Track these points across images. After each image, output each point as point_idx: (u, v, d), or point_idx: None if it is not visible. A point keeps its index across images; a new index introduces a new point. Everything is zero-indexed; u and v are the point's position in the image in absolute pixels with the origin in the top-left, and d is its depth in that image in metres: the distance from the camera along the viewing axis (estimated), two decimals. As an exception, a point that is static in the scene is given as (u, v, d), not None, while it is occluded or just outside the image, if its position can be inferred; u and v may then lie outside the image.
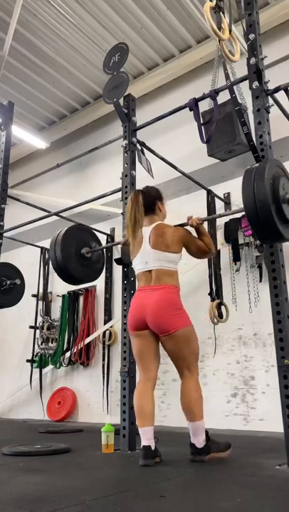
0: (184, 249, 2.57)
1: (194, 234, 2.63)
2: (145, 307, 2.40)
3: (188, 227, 2.68)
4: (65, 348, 5.59)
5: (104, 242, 5.47)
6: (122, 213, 3.14)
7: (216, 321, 3.97)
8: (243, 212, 4.42)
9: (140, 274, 2.53)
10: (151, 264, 2.47)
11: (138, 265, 2.55)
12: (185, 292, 4.45)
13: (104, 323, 5.26)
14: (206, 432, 2.31)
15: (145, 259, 2.49)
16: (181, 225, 2.71)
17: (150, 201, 2.60)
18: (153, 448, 2.26)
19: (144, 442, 2.27)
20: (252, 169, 2.19)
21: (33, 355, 5.70)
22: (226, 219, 4.48)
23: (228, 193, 4.66)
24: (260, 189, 2.09)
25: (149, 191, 2.65)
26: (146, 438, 2.27)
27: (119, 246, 3.12)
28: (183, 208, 4.99)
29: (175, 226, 2.63)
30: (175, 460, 2.34)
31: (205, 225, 4.14)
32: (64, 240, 3.33)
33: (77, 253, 3.40)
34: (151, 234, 2.52)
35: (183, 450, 2.49)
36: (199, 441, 2.28)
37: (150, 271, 2.47)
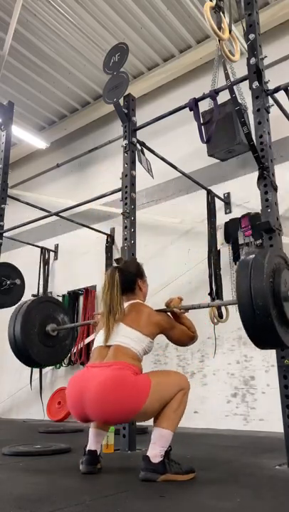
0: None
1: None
2: (85, 394, 1.89)
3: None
4: (65, 348, 5.58)
5: (104, 242, 5.48)
6: (121, 213, 3.13)
7: (216, 321, 3.96)
8: (244, 212, 4.47)
9: (95, 349, 2.09)
10: (112, 338, 2.02)
11: (97, 340, 2.13)
12: (185, 292, 4.48)
13: (104, 323, 5.25)
14: (169, 449, 1.89)
15: (106, 332, 2.04)
16: (163, 311, 2.26)
17: (129, 280, 2.22)
18: (99, 452, 2.09)
19: (91, 446, 2.08)
20: (247, 262, 1.84)
21: (33, 355, 5.69)
22: (226, 219, 4.48)
23: (228, 193, 4.66)
24: (259, 291, 1.74)
25: (128, 268, 2.27)
26: (97, 441, 2.10)
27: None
28: (183, 208, 5.01)
29: (156, 310, 2.19)
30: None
31: (205, 225, 4.19)
32: (25, 318, 2.80)
33: (41, 332, 2.90)
34: (126, 309, 2.12)
35: (182, 450, 2.49)
36: (155, 455, 1.84)
37: (109, 347, 2.02)
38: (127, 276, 2.22)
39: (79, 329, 5.49)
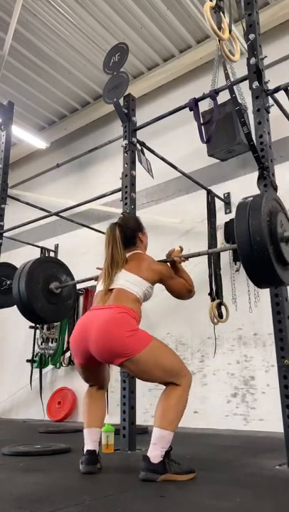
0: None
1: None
2: (89, 331, 2.00)
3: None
4: (65, 348, 5.58)
5: (104, 242, 5.48)
6: (121, 213, 3.13)
7: (216, 321, 3.96)
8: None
9: (98, 293, 2.18)
10: (113, 282, 2.12)
11: (99, 285, 2.22)
12: (185, 292, 4.47)
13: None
14: (170, 449, 1.90)
15: (109, 278, 2.13)
16: (164, 261, 2.39)
17: (129, 234, 2.30)
18: (97, 452, 2.10)
19: (88, 446, 2.09)
20: (245, 204, 1.93)
21: (33, 355, 5.70)
22: (226, 219, 4.48)
23: (228, 193, 4.66)
24: (256, 228, 1.83)
25: (127, 223, 2.37)
26: (93, 440, 2.11)
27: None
28: (183, 208, 5.01)
29: (158, 261, 2.32)
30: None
31: (205, 225, 4.18)
32: (29, 275, 2.87)
33: (45, 289, 2.99)
34: (127, 258, 2.21)
35: (182, 450, 2.49)
36: (155, 455, 1.84)
37: (110, 290, 2.11)
38: (127, 231, 2.30)
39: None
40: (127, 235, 2.29)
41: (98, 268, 2.60)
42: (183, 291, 2.33)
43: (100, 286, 2.21)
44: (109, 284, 2.12)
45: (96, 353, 1.98)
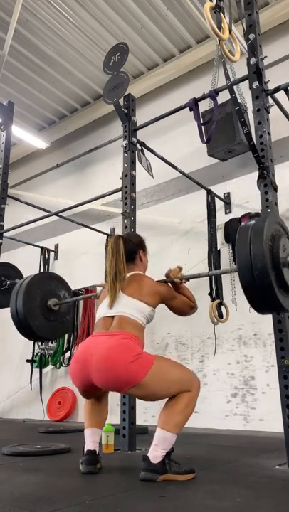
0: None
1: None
2: (91, 358, 1.94)
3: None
4: (65, 348, 5.58)
5: (104, 242, 5.48)
6: (121, 213, 3.14)
7: (216, 321, 3.96)
8: (244, 212, 4.46)
9: (99, 319, 2.14)
10: (115, 309, 2.08)
11: (100, 310, 2.17)
12: (185, 292, 4.47)
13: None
14: (171, 450, 1.89)
15: (112, 297, 2.10)
16: (163, 281, 2.34)
17: (131, 249, 2.28)
18: (97, 452, 2.10)
19: (89, 446, 2.09)
20: (248, 227, 1.88)
21: (33, 355, 5.70)
22: (226, 219, 4.48)
23: (228, 193, 4.66)
24: (258, 252, 1.78)
25: (131, 238, 2.36)
26: (94, 441, 2.11)
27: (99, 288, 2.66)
28: (183, 208, 5.01)
29: (158, 281, 2.27)
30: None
31: (205, 225, 4.19)
32: (27, 291, 2.83)
33: (43, 306, 2.94)
34: (126, 280, 2.16)
35: (182, 450, 2.49)
36: (156, 456, 1.84)
37: (112, 317, 2.08)
38: (130, 245, 2.28)
39: (79, 330, 5.49)
40: (128, 249, 2.26)
41: (98, 285, 2.59)
42: (185, 309, 2.31)
43: (102, 309, 2.16)
44: (113, 301, 2.09)
45: (99, 382, 1.94)
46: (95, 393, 2.13)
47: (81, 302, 5.68)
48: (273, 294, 1.78)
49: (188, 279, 2.37)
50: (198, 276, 2.43)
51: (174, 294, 2.26)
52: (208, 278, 3.97)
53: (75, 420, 5.28)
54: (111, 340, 1.94)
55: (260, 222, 1.90)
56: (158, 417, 1.97)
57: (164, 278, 2.34)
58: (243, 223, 1.96)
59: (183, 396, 1.94)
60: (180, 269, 2.38)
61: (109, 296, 2.11)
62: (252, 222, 1.92)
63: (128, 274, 2.19)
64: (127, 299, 2.09)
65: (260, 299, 1.84)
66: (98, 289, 2.61)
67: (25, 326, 2.86)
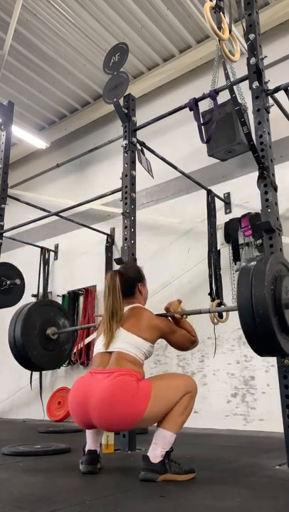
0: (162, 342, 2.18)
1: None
2: (89, 398, 1.90)
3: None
4: (65, 348, 5.58)
5: (104, 242, 5.49)
6: (121, 213, 3.13)
7: (216, 321, 3.96)
8: (244, 212, 4.46)
9: (97, 355, 2.09)
10: (113, 344, 2.03)
11: (98, 345, 2.13)
12: (185, 292, 4.48)
13: (104, 323, 5.25)
14: (171, 450, 1.89)
15: (108, 338, 2.05)
16: (163, 315, 2.29)
17: (129, 284, 2.22)
18: (98, 452, 2.10)
19: (90, 446, 2.09)
20: (249, 269, 1.82)
21: (33, 355, 5.69)
22: (226, 219, 4.48)
23: (228, 193, 4.66)
24: (260, 298, 1.73)
25: (128, 272, 2.28)
26: (95, 440, 2.10)
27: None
28: (183, 208, 5.01)
29: (157, 315, 2.21)
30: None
31: (205, 224, 4.18)
32: (26, 319, 2.78)
33: (42, 335, 2.89)
34: (125, 314, 2.12)
35: (182, 450, 2.48)
36: (156, 455, 1.84)
37: (110, 353, 2.03)
38: (127, 280, 2.21)
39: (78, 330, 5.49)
40: (127, 284, 2.20)
41: (97, 316, 2.58)
42: (186, 344, 2.25)
43: (99, 345, 2.11)
44: (110, 341, 2.04)
45: (101, 425, 1.92)
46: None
47: (81, 302, 5.69)
48: (275, 340, 1.74)
49: (188, 314, 2.28)
50: (199, 312, 2.33)
51: (173, 329, 2.20)
52: (208, 278, 3.97)
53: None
54: (109, 378, 1.90)
55: (262, 264, 1.83)
56: None
57: (164, 312, 2.29)
58: (243, 264, 1.88)
59: (183, 399, 1.94)
60: (179, 302, 2.32)
61: (106, 335, 2.06)
62: (253, 263, 1.85)
63: (127, 308, 2.15)
64: (126, 334, 2.04)
65: (261, 344, 1.80)
66: (98, 319, 2.55)
67: (23, 357, 2.82)
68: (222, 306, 3.84)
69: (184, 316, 2.27)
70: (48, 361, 2.96)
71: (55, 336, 2.97)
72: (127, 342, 2.02)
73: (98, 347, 2.11)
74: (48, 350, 2.93)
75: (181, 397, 1.93)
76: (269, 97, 2.65)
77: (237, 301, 1.81)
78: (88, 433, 2.13)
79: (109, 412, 1.85)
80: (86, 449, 2.09)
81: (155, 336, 2.11)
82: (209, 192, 4.27)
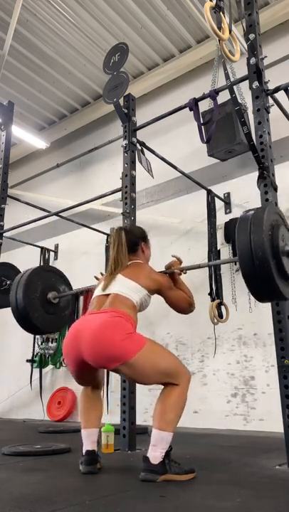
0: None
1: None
2: (82, 336, 1.95)
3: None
4: (65, 348, 5.58)
5: (104, 242, 5.48)
6: (121, 213, 3.14)
7: (216, 321, 3.96)
8: (243, 212, 4.46)
9: (94, 298, 2.19)
10: (111, 287, 2.11)
11: (96, 291, 2.23)
12: (185, 292, 4.47)
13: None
14: (170, 449, 1.90)
15: (107, 281, 2.15)
16: (163, 272, 2.38)
17: (132, 241, 2.31)
18: (96, 452, 2.11)
19: (87, 447, 2.10)
20: (247, 217, 1.91)
21: (33, 355, 5.69)
22: (226, 219, 4.48)
23: (228, 193, 4.66)
24: (258, 242, 1.81)
25: (133, 230, 2.41)
26: (92, 441, 2.12)
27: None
28: (183, 208, 5.01)
29: (159, 272, 2.31)
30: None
31: (205, 224, 4.18)
32: (28, 283, 2.84)
33: (43, 298, 2.96)
34: (127, 266, 2.21)
35: (182, 450, 2.49)
36: (156, 456, 1.84)
37: (107, 295, 2.11)
38: (132, 236, 2.32)
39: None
40: (131, 240, 2.30)
41: (96, 277, 2.62)
42: (183, 304, 2.30)
43: (97, 291, 2.21)
44: (108, 284, 2.12)
45: (89, 357, 1.94)
46: (88, 377, 2.15)
47: (81, 302, 5.68)
48: (274, 283, 1.82)
49: (187, 269, 2.39)
50: (198, 266, 2.50)
51: (171, 285, 2.27)
52: (208, 278, 3.97)
53: (75, 420, 5.27)
54: (101, 317, 1.97)
55: (260, 212, 1.93)
56: (152, 416, 1.97)
57: (164, 269, 2.38)
58: (242, 214, 1.98)
59: (171, 393, 1.93)
60: (180, 261, 2.41)
61: (106, 279, 2.16)
62: (251, 212, 1.95)
63: (129, 262, 2.23)
64: (124, 279, 2.12)
65: (260, 288, 1.87)
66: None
67: (24, 318, 2.88)
68: (222, 305, 3.84)
69: (184, 272, 2.37)
70: (49, 324, 3.05)
71: (56, 300, 3.05)
72: (124, 286, 2.09)
73: (97, 290, 2.21)
74: (49, 314, 3.00)
75: (168, 375, 1.93)
76: (269, 97, 2.66)
77: (237, 246, 1.90)
78: (83, 434, 2.14)
79: (98, 344, 1.89)
80: (84, 450, 2.10)
81: (152, 286, 2.17)
82: (209, 192, 4.27)
